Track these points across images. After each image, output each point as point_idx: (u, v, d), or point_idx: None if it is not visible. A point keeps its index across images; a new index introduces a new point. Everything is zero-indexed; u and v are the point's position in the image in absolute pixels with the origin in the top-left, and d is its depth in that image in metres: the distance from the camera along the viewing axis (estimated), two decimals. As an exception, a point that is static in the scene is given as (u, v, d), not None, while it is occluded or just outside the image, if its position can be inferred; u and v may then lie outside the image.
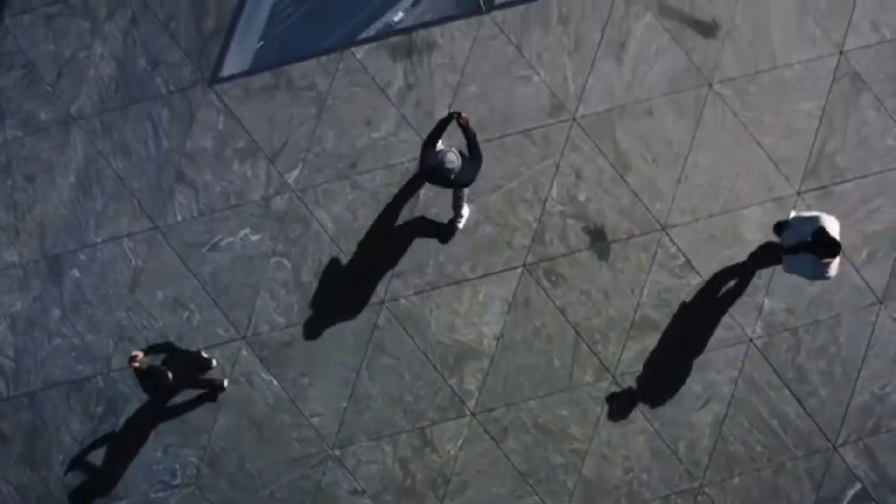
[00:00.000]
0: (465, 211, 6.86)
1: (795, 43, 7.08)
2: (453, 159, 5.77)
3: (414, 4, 7.50)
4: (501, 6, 7.07)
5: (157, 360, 5.97)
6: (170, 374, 5.85)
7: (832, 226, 5.82)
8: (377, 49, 7.05)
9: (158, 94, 7.06)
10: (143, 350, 5.91)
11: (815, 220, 5.85)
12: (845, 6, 7.13)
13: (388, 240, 6.90)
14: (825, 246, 5.62)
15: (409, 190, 6.95)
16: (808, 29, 7.09)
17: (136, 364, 5.72)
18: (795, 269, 5.96)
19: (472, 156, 5.89)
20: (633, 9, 7.07)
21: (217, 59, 7.07)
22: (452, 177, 5.83)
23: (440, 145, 6.05)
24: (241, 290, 6.91)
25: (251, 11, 7.14)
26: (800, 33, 7.08)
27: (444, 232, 6.89)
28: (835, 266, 5.80)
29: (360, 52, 7.03)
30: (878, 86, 7.06)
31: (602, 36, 7.04)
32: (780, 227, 6.23)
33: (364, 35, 7.06)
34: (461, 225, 6.92)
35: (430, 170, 5.86)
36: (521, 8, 7.07)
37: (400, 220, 6.90)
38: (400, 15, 7.22)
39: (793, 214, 6.17)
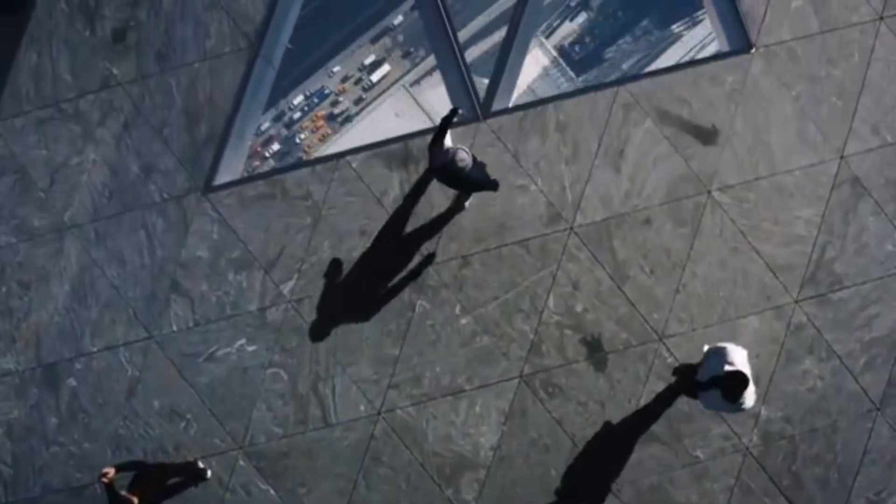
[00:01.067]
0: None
1: (796, 148, 7.00)
2: (464, 157, 5.73)
3: (413, 9, 7.44)
4: (498, 113, 6.98)
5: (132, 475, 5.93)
6: (135, 501, 5.82)
7: (738, 356, 5.75)
8: (372, 158, 6.97)
9: (152, 202, 7.00)
10: (115, 466, 5.86)
11: (722, 353, 5.79)
12: (846, 110, 7.04)
13: (384, 350, 6.87)
14: (728, 385, 5.52)
15: (403, 300, 6.92)
16: (808, 134, 7.01)
17: (105, 481, 5.69)
18: (710, 405, 5.90)
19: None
20: (632, 115, 6.98)
21: (211, 166, 7.00)
22: (463, 174, 5.75)
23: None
24: (238, 400, 6.91)
25: (244, 119, 7.05)
26: (800, 139, 7.01)
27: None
28: (750, 396, 5.66)
29: (355, 160, 6.96)
30: (879, 191, 7.00)
31: (600, 144, 6.96)
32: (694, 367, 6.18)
33: (369, 34, 7.01)
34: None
35: (442, 166, 5.78)
36: (518, 115, 6.99)
37: (396, 332, 6.88)
38: (399, 18, 7.16)
39: (706, 348, 6.08)
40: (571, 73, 8.31)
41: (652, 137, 6.96)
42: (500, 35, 7.25)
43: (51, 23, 7.20)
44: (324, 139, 8.51)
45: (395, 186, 6.95)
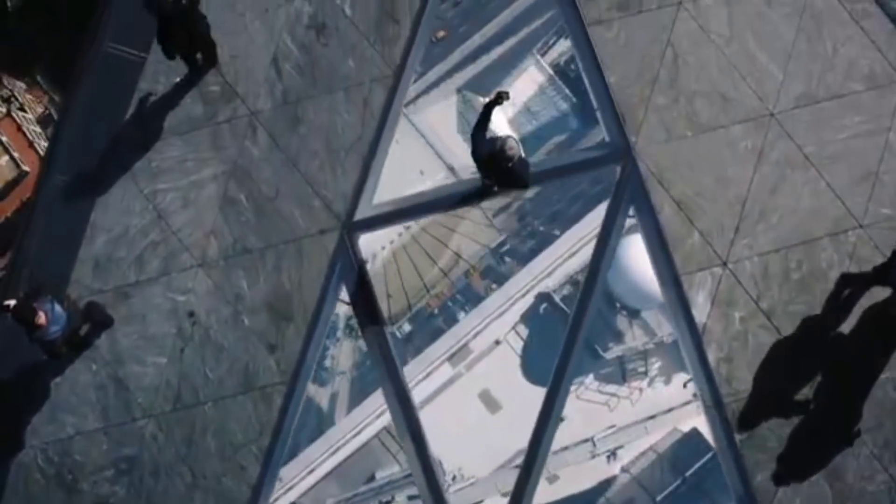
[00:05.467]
0: None
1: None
2: (514, 146, 5.32)
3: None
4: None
5: None
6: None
7: None
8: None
9: None
10: None
11: None
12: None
13: None
14: None
15: None
16: None
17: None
18: None
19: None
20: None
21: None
22: (511, 164, 5.34)
23: None
24: None
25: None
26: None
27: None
28: None
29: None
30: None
31: None
32: None
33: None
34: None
35: (488, 156, 5.40)
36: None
37: None
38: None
39: None
40: (567, 91, 7.94)
41: None
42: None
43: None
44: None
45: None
